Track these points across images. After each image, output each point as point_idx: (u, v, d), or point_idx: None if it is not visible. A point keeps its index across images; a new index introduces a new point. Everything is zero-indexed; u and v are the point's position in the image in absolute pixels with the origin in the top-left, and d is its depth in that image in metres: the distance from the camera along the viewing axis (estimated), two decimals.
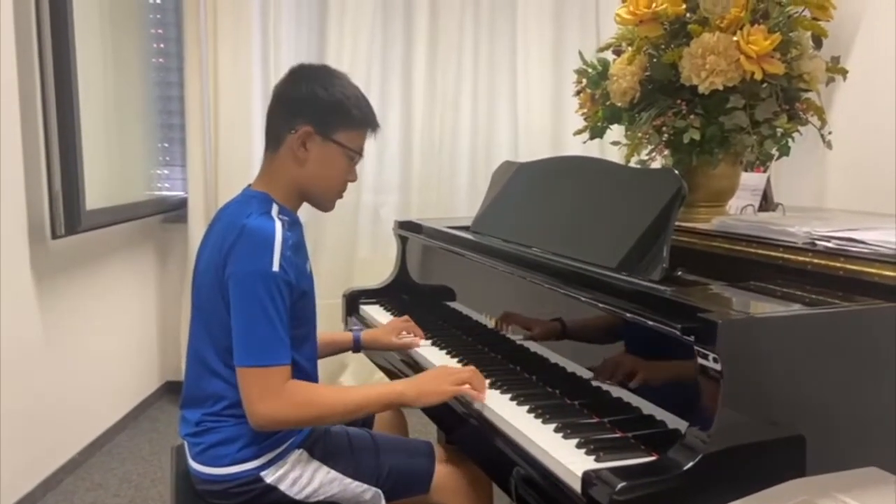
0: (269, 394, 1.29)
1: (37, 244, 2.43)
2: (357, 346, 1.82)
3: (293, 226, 1.41)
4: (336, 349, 1.81)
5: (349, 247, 3.45)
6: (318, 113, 1.41)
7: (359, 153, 1.48)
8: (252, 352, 1.29)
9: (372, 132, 1.49)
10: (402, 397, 1.39)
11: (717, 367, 1.02)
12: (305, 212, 1.51)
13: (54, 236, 2.43)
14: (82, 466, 2.73)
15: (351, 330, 1.88)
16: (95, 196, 2.55)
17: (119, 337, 3.09)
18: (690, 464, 0.99)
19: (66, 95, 2.36)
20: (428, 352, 1.74)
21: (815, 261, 1.29)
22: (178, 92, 3.34)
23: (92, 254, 2.82)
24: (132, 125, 3.03)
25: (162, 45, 3.33)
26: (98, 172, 2.60)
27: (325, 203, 1.51)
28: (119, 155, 2.86)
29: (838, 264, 1.25)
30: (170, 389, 3.49)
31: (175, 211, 3.38)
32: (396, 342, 1.80)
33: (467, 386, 1.39)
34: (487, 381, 1.46)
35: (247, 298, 1.29)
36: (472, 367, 1.46)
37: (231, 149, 3.27)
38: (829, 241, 1.30)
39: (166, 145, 3.41)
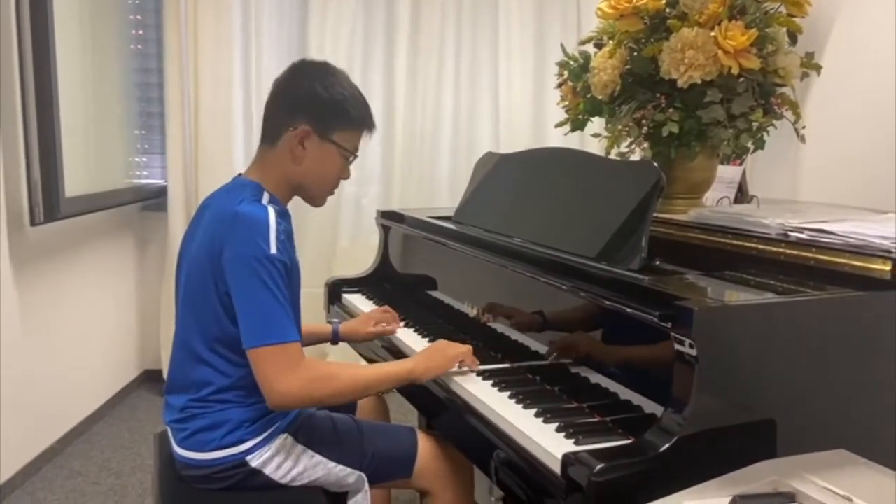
0: (288, 370, 1.29)
1: (15, 231, 2.41)
2: (336, 339, 1.84)
3: (282, 215, 1.42)
4: (315, 340, 1.82)
5: (331, 236, 3.45)
6: (317, 113, 1.43)
7: (354, 153, 1.50)
8: (264, 331, 1.29)
9: (368, 132, 1.52)
10: (412, 374, 1.43)
11: (693, 352, 1.05)
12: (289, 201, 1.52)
13: (33, 223, 2.42)
14: (61, 454, 2.72)
15: (330, 322, 1.90)
16: (74, 183, 2.53)
17: (98, 325, 3.08)
18: (666, 446, 1.03)
19: (45, 82, 2.34)
20: (410, 339, 1.76)
21: (788, 251, 1.33)
22: (157, 79, 3.31)
23: (71, 241, 2.80)
24: (111, 112, 3.01)
25: (141, 32, 3.30)
26: (77, 160, 2.58)
27: (316, 199, 1.53)
28: (98, 142, 2.84)
29: (810, 255, 1.29)
30: (149, 378, 3.48)
31: (154, 199, 3.36)
32: (373, 331, 1.82)
33: (466, 351, 1.48)
34: (467, 369, 1.49)
35: (250, 281, 1.29)
36: (468, 346, 1.51)
37: (211, 136, 3.25)
38: (801, 233, 1.34)
39: (145, 133, 3.38)
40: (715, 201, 1.86)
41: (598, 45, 1.81)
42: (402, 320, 1.86)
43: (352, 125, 1.47)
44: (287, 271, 1.35)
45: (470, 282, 1.81)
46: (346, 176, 1.52)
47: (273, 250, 1.31)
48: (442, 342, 1.52)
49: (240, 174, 1.50)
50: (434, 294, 1.99)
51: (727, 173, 1.91)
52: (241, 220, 1.32)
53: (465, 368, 1.48)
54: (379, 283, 2.28)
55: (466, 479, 1.54)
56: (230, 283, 1.32)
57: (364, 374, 1.41)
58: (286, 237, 1.37)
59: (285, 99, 1.45)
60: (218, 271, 1.33)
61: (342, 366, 1.43)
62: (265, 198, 1.41)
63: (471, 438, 1.36)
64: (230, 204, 1.36)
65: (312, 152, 1.44)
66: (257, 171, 1.47)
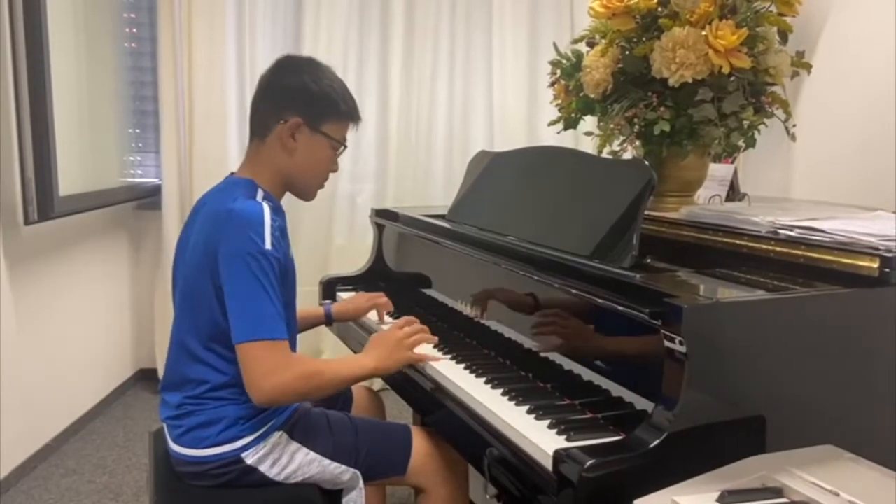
0: (278, 367, 1.30)
1: (9, 230, 2.41)
2: (329, 319, 1.88)
3: (277, 211, 1.43)
4: (309, 324, 1.85)
5: (325, 234, 3.45)
6: (308, 105, 1.45)
7: (343, 144, 1.52)
8: (255, 327, 1.30)
9: (354, 124, 1.53)
10: (377, 371, 1.48)
11: (683, 349, 1.06)
12: (282, 200, 1.53)
13: (27, 222, 2.41)
14: (56, 453, 2.72)
15: (322, 304, 1.91)
16: (68, 182, 2.53)
17: (92, 324, 3.08)
18: (656, 442, 1.04)
19: (39, 80, 2.34)
20: None
21: (778, 249, 1.34)
22: (151, 77, 3.31)
23: (65, 240, 2.80)
24: (105, 111, 3.01)
25: (135, 30, 3.30)
26: (71, 158, 2.58)
27: (308, 193, 1.55)
28: (92, 141, 2.83)
29: (799, 252, 1.30)
30: (143, 377, 3.48)
31: (149, 198, 3.36)
32: (366, 305, 1.86)
33: (424, 351, 1.54)
34: (462, 366, 1.51)
35: (243, 276, 1.31)
36: (412, 324, 1.57)
37: (206, 135, 3.24)
38: (791, 230, 1.35)
39: (139, 131, 3.38)
40: (706, 199, 1.88)
41: (591, 44, 1.81)
42: (395, 318, 1.87)
43: (341, 117, 1.49)
44: (282, 267, 1.36)
45: (464, 280, 1.82)
46: (335, 168, 1.54)
47: (268, 246, 1.32)
48: (390, 340, 1.51)
49: (232, 173, 1.52)
50: (428, 292, 2.00)
51: (718, 171, 1.92)
52: (236, 216, 1.33)
53: (440, 356, 1.54)
54: (373, 281, 2.28)
55: (461, 476, 1.55)
56: (224, 278, 1.33)
57: (342, 370, 1.42)
58: (280, 233, 1.38)
59: (274, 93, 1.47)
60: (214, 269, 1.34)
61: (324, 362, 1.46)
62: (259, 194, 1.42)
63: (464, 435, 1.36)
64: (224, 202, 1.37)
65: (303, 144, 1.46)
66: (249, 168, 1.49)
